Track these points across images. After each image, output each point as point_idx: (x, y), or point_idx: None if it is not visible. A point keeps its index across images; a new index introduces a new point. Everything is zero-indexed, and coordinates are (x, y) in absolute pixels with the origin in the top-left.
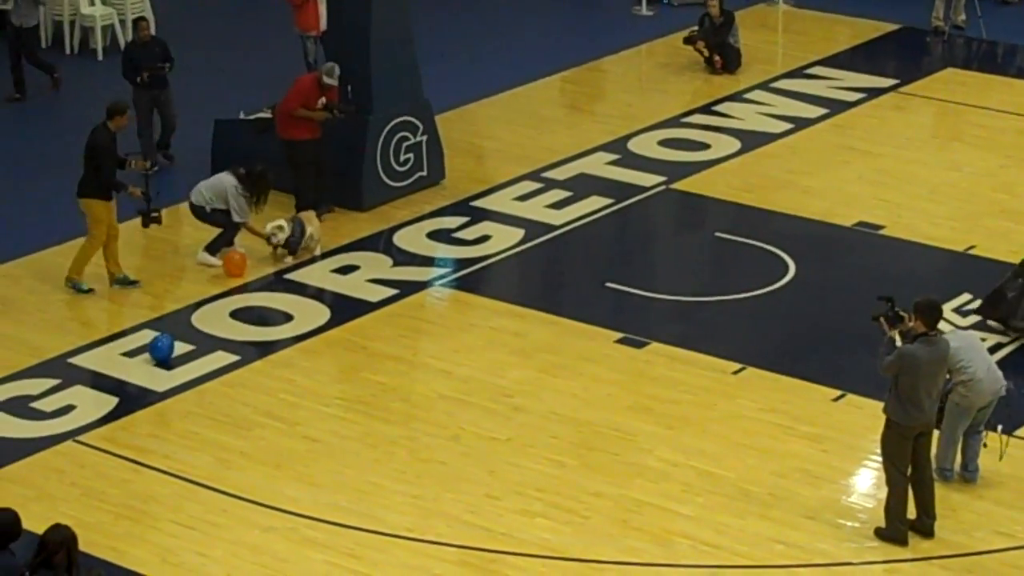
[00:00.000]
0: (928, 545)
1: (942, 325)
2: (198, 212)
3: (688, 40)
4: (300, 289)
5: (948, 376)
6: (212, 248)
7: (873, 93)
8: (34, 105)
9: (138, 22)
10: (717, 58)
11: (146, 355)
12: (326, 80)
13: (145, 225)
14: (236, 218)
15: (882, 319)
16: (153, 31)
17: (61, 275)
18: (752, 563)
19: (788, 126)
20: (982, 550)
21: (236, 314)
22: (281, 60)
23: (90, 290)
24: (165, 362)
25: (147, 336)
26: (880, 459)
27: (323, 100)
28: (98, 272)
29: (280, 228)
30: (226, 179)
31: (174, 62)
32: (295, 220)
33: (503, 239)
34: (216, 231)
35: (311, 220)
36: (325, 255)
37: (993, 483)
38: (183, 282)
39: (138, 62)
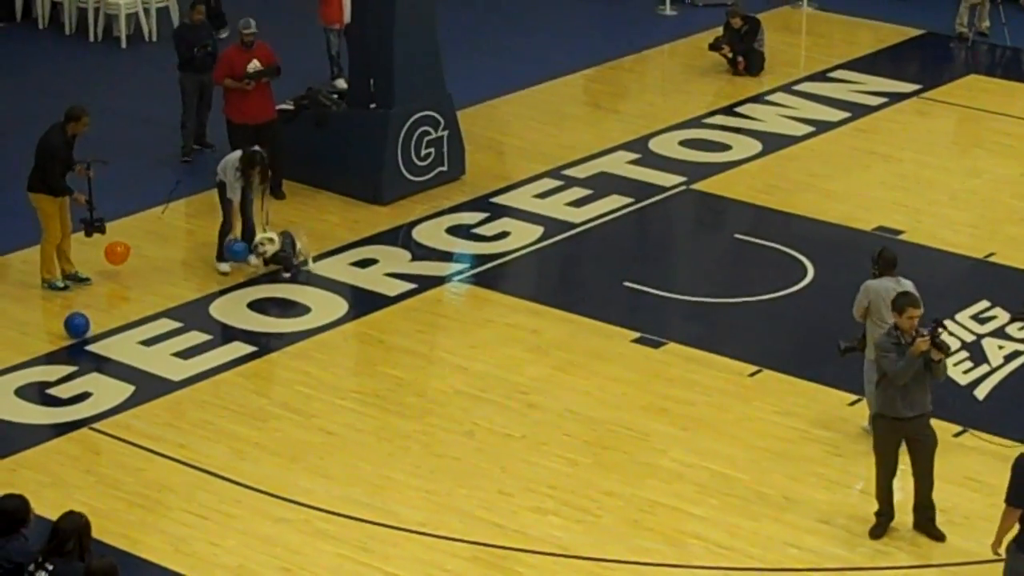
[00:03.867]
0: (940, 552)
1: (961, 334)
2: (219, 186)
3: (713, 46)
4: (319, 281)
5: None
6: (219, 255)
7: (895, 98)
8: (56, 92)
9: (195, 5)
10: (740, 59)
11: (164, 343)
12: (244, 32)
13: (88, 234)
14: (227, 193)
15: (932, 345)
16: (177, 23)
17: (80, 261)
18: (765, 566)
19: (810, 129)
20: (994, 558)
21: (254, 305)
22: (303, 53)
23: (65, 287)
24: (79, 335)
25: (166, 325)
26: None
27: (254, 63)
28: (101, 264)
29: (270, 240)
30: (234, 155)
31: (216, 45)
32: (285, 234)
33: (522, 236)
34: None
35: (300, 236)
36: (344, 248)
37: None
38: (202, 271)
39: (191, 42)
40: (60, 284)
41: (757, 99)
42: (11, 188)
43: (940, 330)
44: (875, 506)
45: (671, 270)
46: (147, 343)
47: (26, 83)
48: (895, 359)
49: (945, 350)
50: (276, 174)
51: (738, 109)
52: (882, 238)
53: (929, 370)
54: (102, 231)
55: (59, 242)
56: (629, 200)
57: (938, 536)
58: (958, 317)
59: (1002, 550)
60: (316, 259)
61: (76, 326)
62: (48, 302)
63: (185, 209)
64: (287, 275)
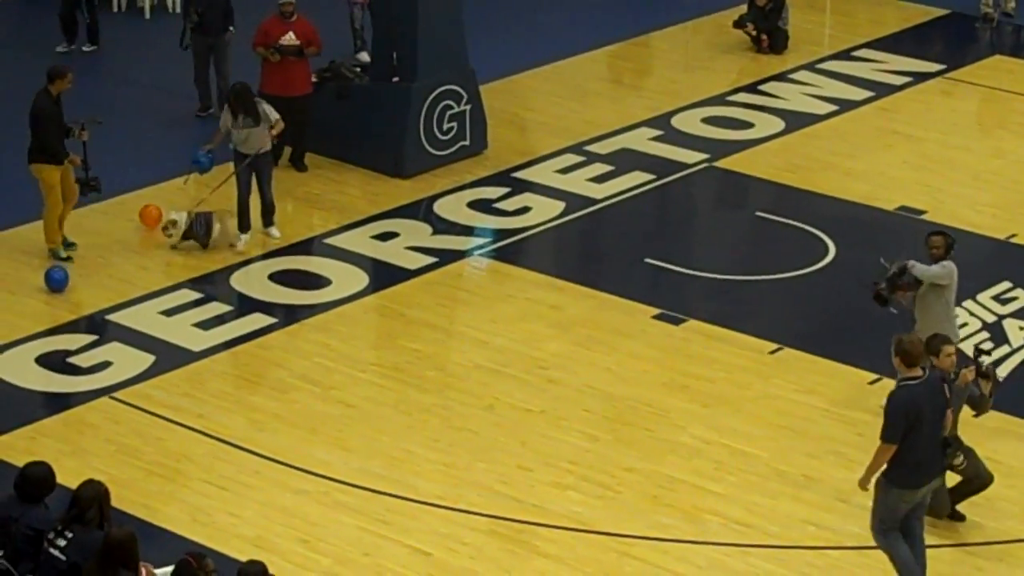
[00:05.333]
0: (961, 532)
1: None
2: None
3: (738, 24)
4: (340, 254)
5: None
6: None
7: (919, 78)
8: (79, 63)
9: None
10: (764, 37)
11: (185, 314)
12: (282, 4)
13: (83, 194)
14: (220, 125)
15: (978, 375)
16: None
17: (103, 230)
18: (783, 543)
19: (833, 108)
20: (1015, 538)
21: (275, 277)
22: (327, 27)
23: (68, 258)
24: (60, 288)
25: (187, 296)
26: None
27: (290, 35)
28: (122, 233)
29: (172, 223)
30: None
31: (232, 15)
32: (198, 217)
33: (543, 211)
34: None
35: (223, 219)
36: (366, 221)
37: None
38: (223, 242)
39: (197, 4)
40: (63, 254)
41: (780, 77)
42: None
43: (983, 359)
44: None
45: (692, 247)
46: (168, 313)
47: (49, 50)
48: None
49: (992, 377)
50: (299, 147)
51: (761, 87)
52: (904, 218)
53: (972, 406)
54: (98, 190)
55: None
56: (651, 177)
57: (958, 516)
58: (979, 297)
59: (871, 487)
60: (337, 232)
61: (56, 280)
62: (70, 270)
63: (208, 179)
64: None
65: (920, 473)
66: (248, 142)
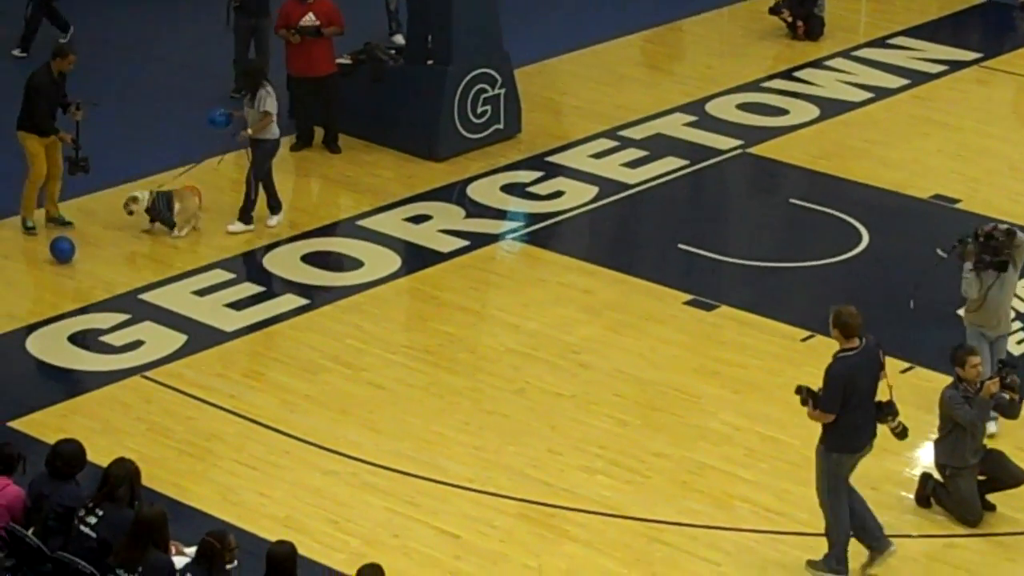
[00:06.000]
0: (989, 522)
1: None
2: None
3: (773, 10)
4: (373, 236)
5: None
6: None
7: (956, 66)
8: (115, 42)
9: None
10: (800, 24)
11: (217, 294)
12: None
13: (71, 173)
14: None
15: (1002, 387)
16: None
17: (137, 211)
18: (812, 531)
19: (868, 95)
20: None
21: (307, 258)
22: (362, 8)
23: (32, 228)
24: (66, 259)
25: (219, 276)
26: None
27: (310, 16)
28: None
29: (133, 199)
30: None
31: None
32: (160, 195)
33: (577, 196)
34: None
35: (184, 198)
36: (399, 203)
37: None
38: (257, 223)
39: None
40: (30, 224)
41: (816, 64)
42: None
43: (1006, 370)
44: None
45: (725, 233)
46: (200, 293)
47: (87, 31)
48: (969, 409)
49: (1015, 389)
50: (331, 129)
51: (796, 74)
52: (938, 206)
53: (1003, 413)
54: (86, 171)
55: (46, 184)
56: (685, 162)
57: (988, 506)
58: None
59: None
60: (371, 214)
61: (61, 250)
62: (103, 250)
63: (242, 160)
64: (174, 233)
65: (857, 437)
66: (248, 123)
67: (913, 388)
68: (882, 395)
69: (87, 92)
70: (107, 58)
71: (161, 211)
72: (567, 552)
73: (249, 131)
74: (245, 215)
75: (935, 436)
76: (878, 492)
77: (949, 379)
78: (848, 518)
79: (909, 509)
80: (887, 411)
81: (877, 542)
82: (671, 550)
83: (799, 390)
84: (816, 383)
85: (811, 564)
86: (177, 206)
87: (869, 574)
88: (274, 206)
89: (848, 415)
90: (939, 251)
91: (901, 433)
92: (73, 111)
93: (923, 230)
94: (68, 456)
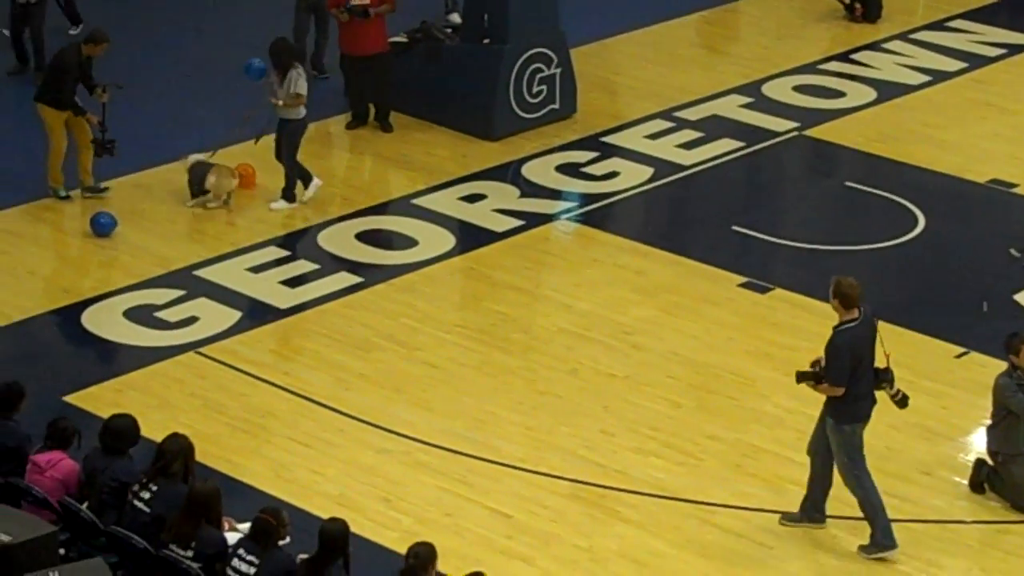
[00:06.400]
0: None
1: None
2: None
3: None
4: (427, 215)
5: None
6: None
7: (1014, 49)
8: (177, 15)
9: None
10: (858, 6)
11: (272, 271)
12: None
13: (98, 155)
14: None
15: None
16: None
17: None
18: (862, 515)
19: (926, 78)
20: None
21: (362, 236)
22: None
23: (67, 196)
24: (107, 232)
25: (275, 253)
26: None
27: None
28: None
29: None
30: None
31: None
32: (199, 165)
33: (631, 176)
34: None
35: (220, 175)
36: (454, 182)
37: None
38: (311, 201)
39: None
40: (63, 193)
41: (873, 47)
42: (126, 112)
43: None
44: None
45: (780, 215)
46: (255, 270)
47: (149, 8)
48: (1022, 397)
49: None
50: (382, 107)
51: (854, 56)
52: (995, 191)
53: None
54: (112, 153)
55: (78, 155)
56: (740, 144)
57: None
58: None
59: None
60: (425, 192)
61: (102, 225)
62: (159, 226)
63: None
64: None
65: (864, 406)
66: (280, 98)
67: (967, 372)
68: (880, 363)
69: (148, 66)
70: (167, 33)
71: (193, 181)
72: (619, 533)
73: (280, 102)
74: (288, 193)
75: (988, 422)
76: (931, 477)
77: (1004, 365)
78: (875, 486)
79: (963, 495)
80: (883, 378)
81: (815, 512)
82: (723, 533)
83: (801, 377)
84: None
85: (862, 549)
86: (211, 179)
87: (784, 524)
88: (304, 177)
89: (854, 385)
90: (1013, 251)
91: (901, 401)
92: (100, 93)
93: (980, 215)
94: (120, 431)
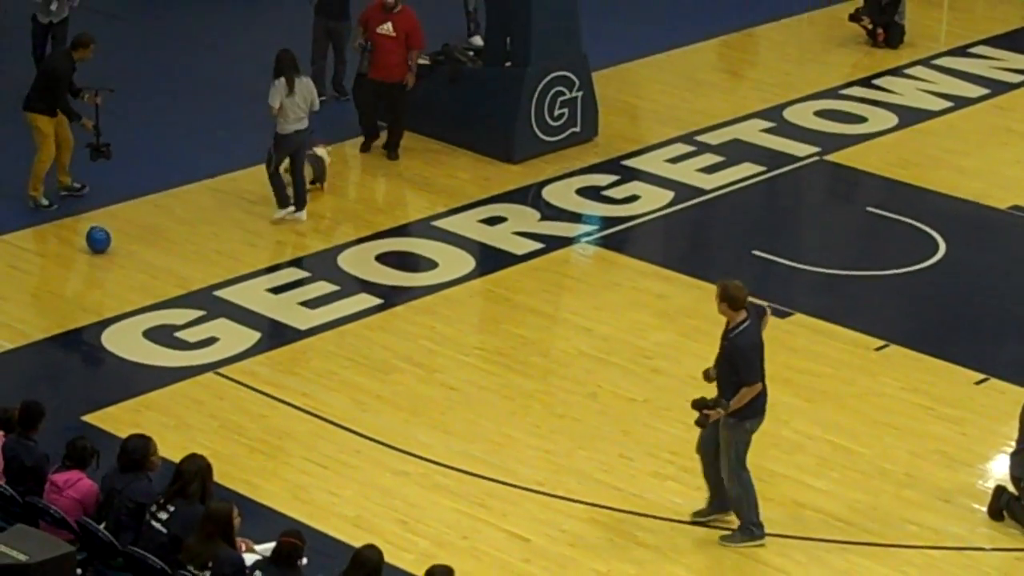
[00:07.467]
0: None
1: None
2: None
3: (853, 17)
4: (447, 237)
5: None
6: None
7: None
8: (194, 38)
9: None
10: (880, 31)
11: (291, 292)
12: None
13: (94, 159)
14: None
15: None
16: None
17: (212, 207)
18: (883, 541)
19: (947, 104)
20: None
21: (382, 258)
22: (441, 9)
23: (49, 205)
24: (101, 248)
25: (294, 274)
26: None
27: (387, 26)
28: (224, 211)
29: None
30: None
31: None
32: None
33: (652, 200)
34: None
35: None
36: (474, 204)
37: None
38: (331, 222)
39: None
40: (44, 202)
41: (895, 72)
42: (145, 132)
43: None
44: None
45: (801, 241)
46: (275, 291)
47: (166, 29)
48: None
49: None
50: (393, 135)
51: (875, 81)
52: (1017, 217)
53: None
54: (107, 156)
55: (57, 156)
56: (761, 168)
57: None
58: None
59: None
60: (445, 215)
61: (96, 240)
62: (179, 246)
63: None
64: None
65: (764, 401)
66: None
67: (987, 399)
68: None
69: (169, 89)
70: (183, 54)
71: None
72: (636, 558)
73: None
74: (299, 201)
75: (1010, 449)
76: (951, 504)
77: (1023, 392)
78: (753, 484)
79: (982, 522)
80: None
81: (722, 503)
82: (740, 558)
83: (698, 405)
84: (890, 393)
85: (725, 540)
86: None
87: (695, 513)
88: (283, 199)
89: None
90: None
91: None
92: (91, 97)
93: (1000, 241)
94: (131, 450)
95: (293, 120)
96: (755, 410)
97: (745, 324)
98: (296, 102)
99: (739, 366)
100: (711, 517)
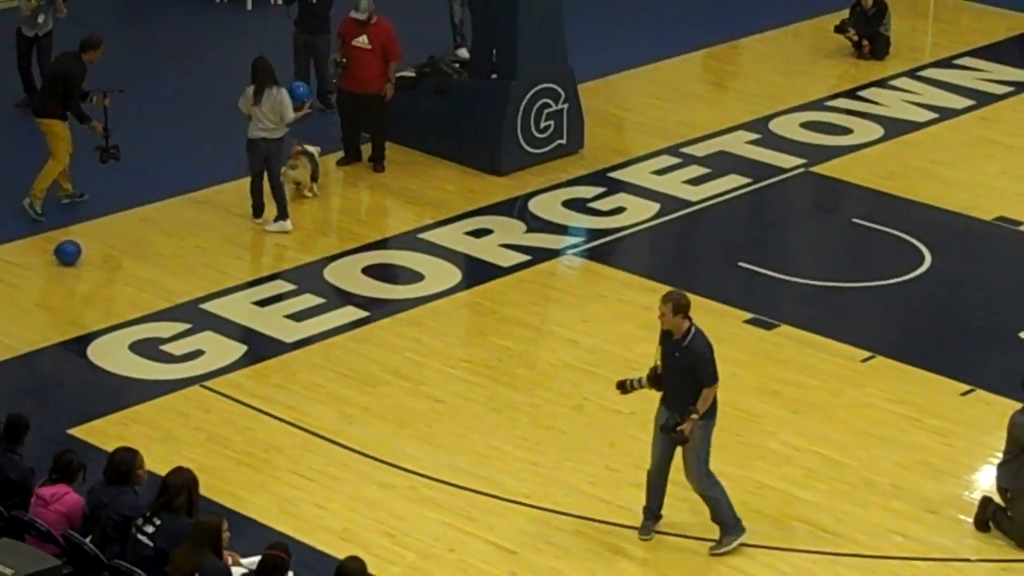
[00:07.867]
0: None
1: None
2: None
3: (839, 28)
4: (433, 249)
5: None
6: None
7: (1022, 87)
8: (181, 52)
9: None
10: (865, 43)
11: (277, 305)
12: (353, 15)
13: (103, 161)
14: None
15: None
16: None
17: (198, 220)
18: (869, 553)
19: (933, 115)
20: None
21: (368, 270)
22: (426, 21)
23: (41, 215)
24: (71, 261)
25: (280, 287)
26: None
27: (362, 39)
28: (209, 225)
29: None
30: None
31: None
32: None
33: (638, 212)
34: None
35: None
36: (460, 217)
37: None
38: (317, 235)
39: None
40: (39, 209)
41: (881, 83)
42: (142, 143)
43: None
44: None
45: (787, 252)
46: (261, 304)
47: (152, 42)
48: None
49: None
50: (375, 147)
51: (861, 93)
52: (1002, 228)
53: None
54: (117, 158)
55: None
56: (747, 180)
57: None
58: None
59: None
60: (432, 227)
61: (67, 252)
62: (165, 259)
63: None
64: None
65: (716, 400)
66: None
67: (973, 410)
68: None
69: (154, 102)
70: (168, 67)
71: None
72: (624, 570)
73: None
74: (280, 211)
75: (996, 460)
76: (937, 515)
77: (1011, 403)
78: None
79: (968, 533)
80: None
81: (656, 512)
82: (728, 570)
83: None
84: (876, 404)
85: (715, 550)
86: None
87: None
88: (256, 207)
89: None
90: None
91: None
92: (100, 99)
93: (986, 252)
94: (117, 463)
95: (259, 128)
96: (714, 409)
97: (693, 330)
98: (263, 111)
99: (698, 371)
100: (647, 531)
